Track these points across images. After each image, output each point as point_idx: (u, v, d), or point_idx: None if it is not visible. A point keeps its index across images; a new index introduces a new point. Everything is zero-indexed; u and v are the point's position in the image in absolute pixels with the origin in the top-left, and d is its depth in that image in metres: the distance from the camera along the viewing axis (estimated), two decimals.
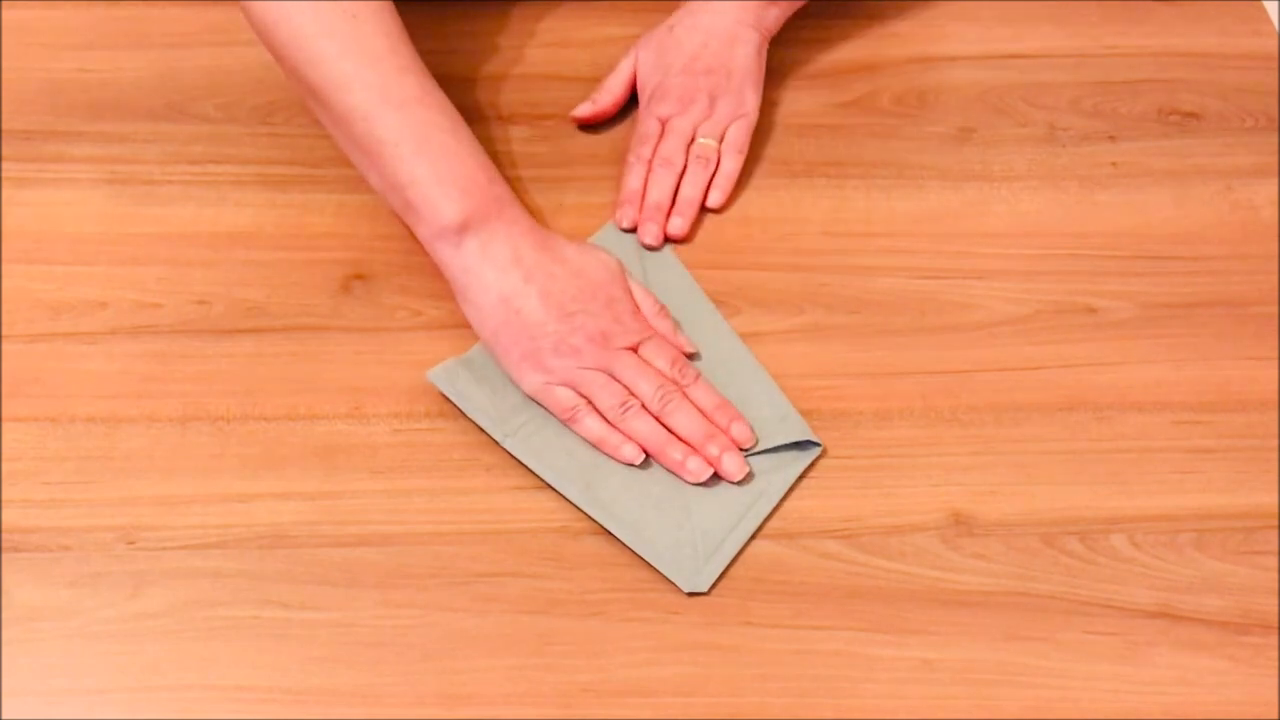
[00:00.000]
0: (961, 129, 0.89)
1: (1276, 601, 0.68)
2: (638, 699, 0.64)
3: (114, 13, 0.92)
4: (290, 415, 0.73)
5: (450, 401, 0.73)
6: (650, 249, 0.81)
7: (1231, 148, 0.88)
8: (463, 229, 0.73)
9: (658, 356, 0.73)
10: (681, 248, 0.82)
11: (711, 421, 0.71)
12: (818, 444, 0.72)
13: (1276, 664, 0.66)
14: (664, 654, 0.66)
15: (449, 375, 0.73)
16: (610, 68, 0.90)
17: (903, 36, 0.92)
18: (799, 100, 0.83)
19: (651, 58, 0.87)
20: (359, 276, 0.79)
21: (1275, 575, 0.69)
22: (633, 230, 0.81)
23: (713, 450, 0.70)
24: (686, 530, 0.69)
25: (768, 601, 0.68)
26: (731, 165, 0.84)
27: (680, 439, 0.71)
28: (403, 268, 0.79)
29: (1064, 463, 0.73)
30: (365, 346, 0.76)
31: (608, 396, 0.71)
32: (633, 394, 0.71)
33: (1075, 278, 0.81)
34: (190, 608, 0.66)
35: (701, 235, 0.83)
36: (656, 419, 0.71)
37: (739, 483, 0.71)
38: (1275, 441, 0.74)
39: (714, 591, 0.68)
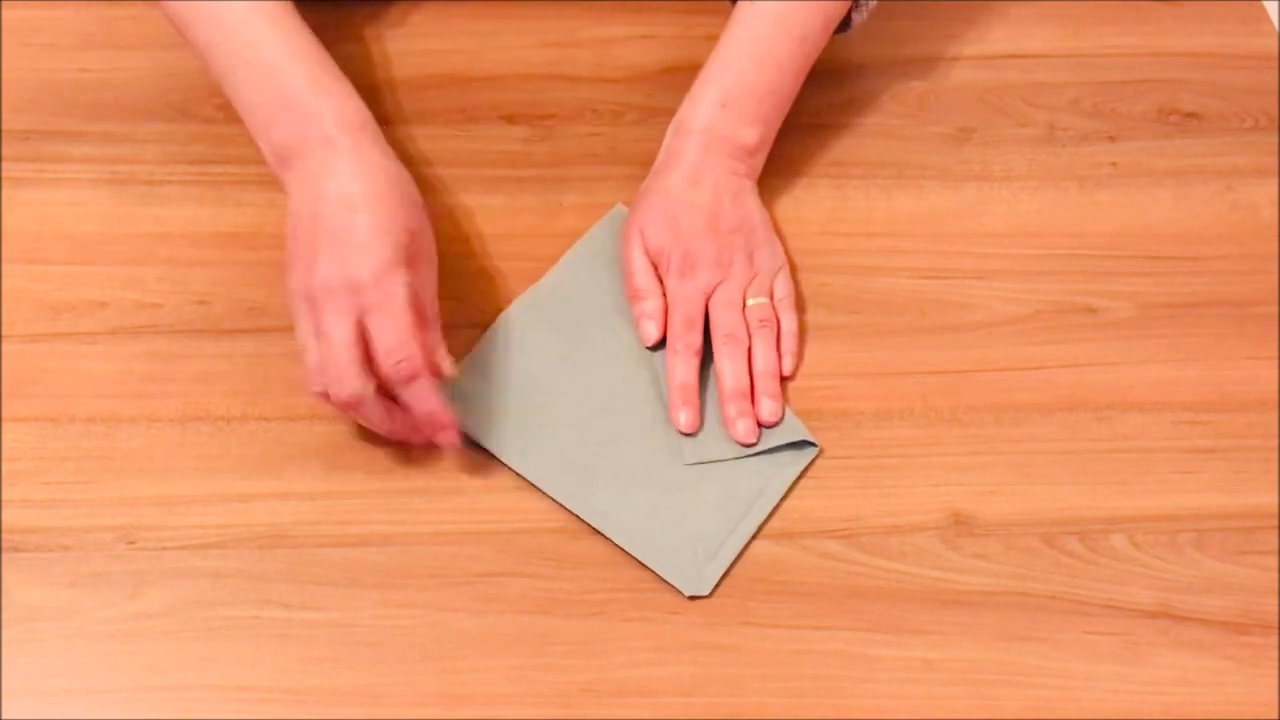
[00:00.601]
0: (961, 129, 0.89)
1: (1276, 601, 0.68)
2: (638, 699, 0.64)
3: (114, 13, 0.92)
4: (290, 415, 0.73)
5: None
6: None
7: (1231, 148, 0.88)
8: (285, 159, 0.73)
9: (384, 331, 0.67)
10: None
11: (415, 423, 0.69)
12: (815, 445, 0.72)
13: (1276, 664, 0.66)
14: (664, 654, 0.66)
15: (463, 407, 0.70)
16: (611, 67, 0.90)
17: (903, 36, 0.92)
18: (799, 100, 0.83)
19: (661, 229, 0.77)
20: None
21: (1275, 575, 0.69)
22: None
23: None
24: (684, 533, 0.69)
25: (768, 601, 0.68)
26: (793, 323, 0.77)
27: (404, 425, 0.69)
28: None
29: (1064, 463, 0.73)
30: None
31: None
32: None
33: (1075, 278, 0.81)
34: (190, 608, 0.66)
35: None
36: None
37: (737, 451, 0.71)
38: (1275, 441, 0.74)
39: (714, 592, 0.68)
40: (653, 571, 0.68)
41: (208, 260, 0.80)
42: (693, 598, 0.67)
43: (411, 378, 0.67)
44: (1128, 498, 0.72)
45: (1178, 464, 0.73)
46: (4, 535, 0.68)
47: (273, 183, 0.83)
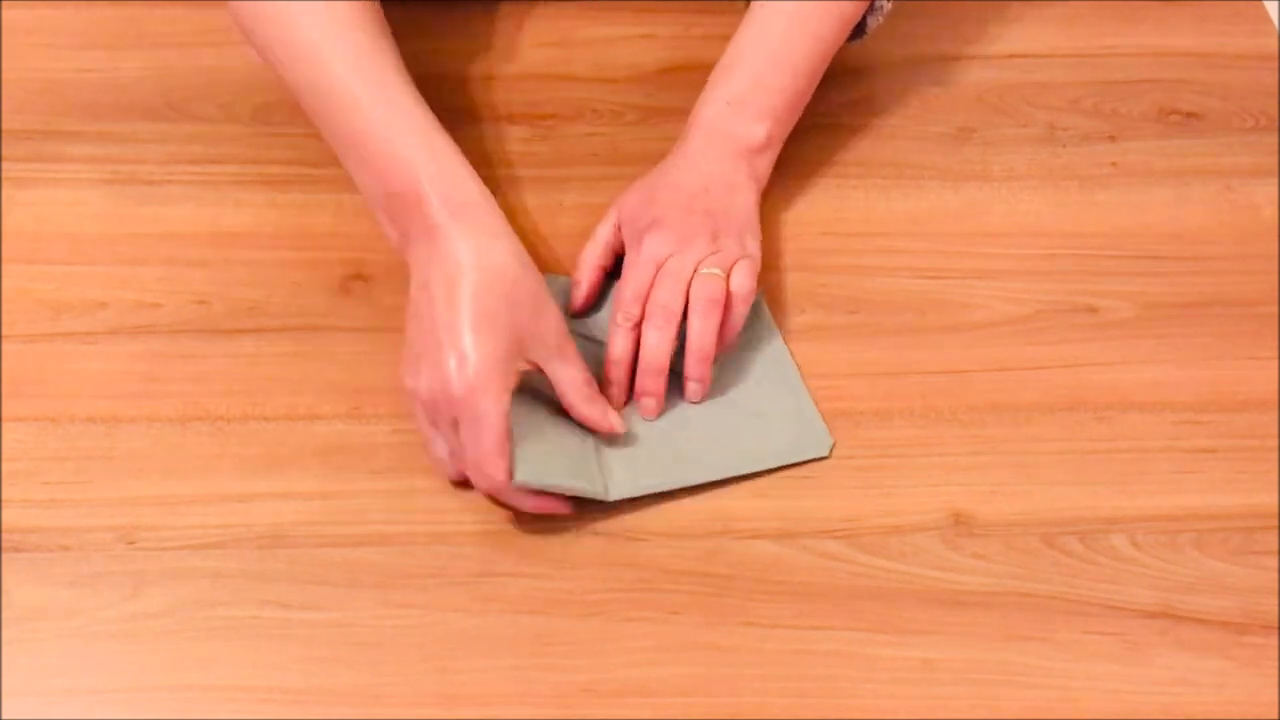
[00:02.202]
0: (961, 129, 0.89)
1: (1276, 601, 0.68)
2: (638, 699, 0.64)
3: (114, 13, 0.92)
4: (290, 415, 0.73)
5: None
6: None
7: (1231, 148, 0.88)
8: (404, 239, 0.72)
9: (470, 444, 0.66)
10: None
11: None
12: (828, 442, 0.73)
13: (1276, 664, 0.66)
14: (664, 654, 0.66)
15: (529, 468, 0.67)
16: (611, 67, 0.90)
17: (903, 36, 0.92)
18: None
19: (638, 202, 0.76)
20: (359, 276, 0.79)
21: (1275, 575, 0.69)
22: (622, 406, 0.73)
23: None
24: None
25: (768, 601, 0.68)
26: (739, 314, 0.74)
27: None
28: (403, 268, 0.79)
29: (1064, 463, 0.73)
30: (365, 346, 0.76)
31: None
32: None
33: (1075, 278, 0.81)
34: (190, 608, 0.66)
35: None
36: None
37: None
38: (1275, 441, 0.74)
39: (714, 591, 0.68)
40: (653, 571, 0.68)
41: (208, 260, 0.80)
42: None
43: (492, 491, 0.68)
44: (1128, 498, 0.72)
45: (1178, 464, 0.73)
46: (4, 535, 0.68)
47: (273, 183, 0.83)
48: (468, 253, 0.68)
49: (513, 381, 0.67)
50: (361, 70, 0.73)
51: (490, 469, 0.66)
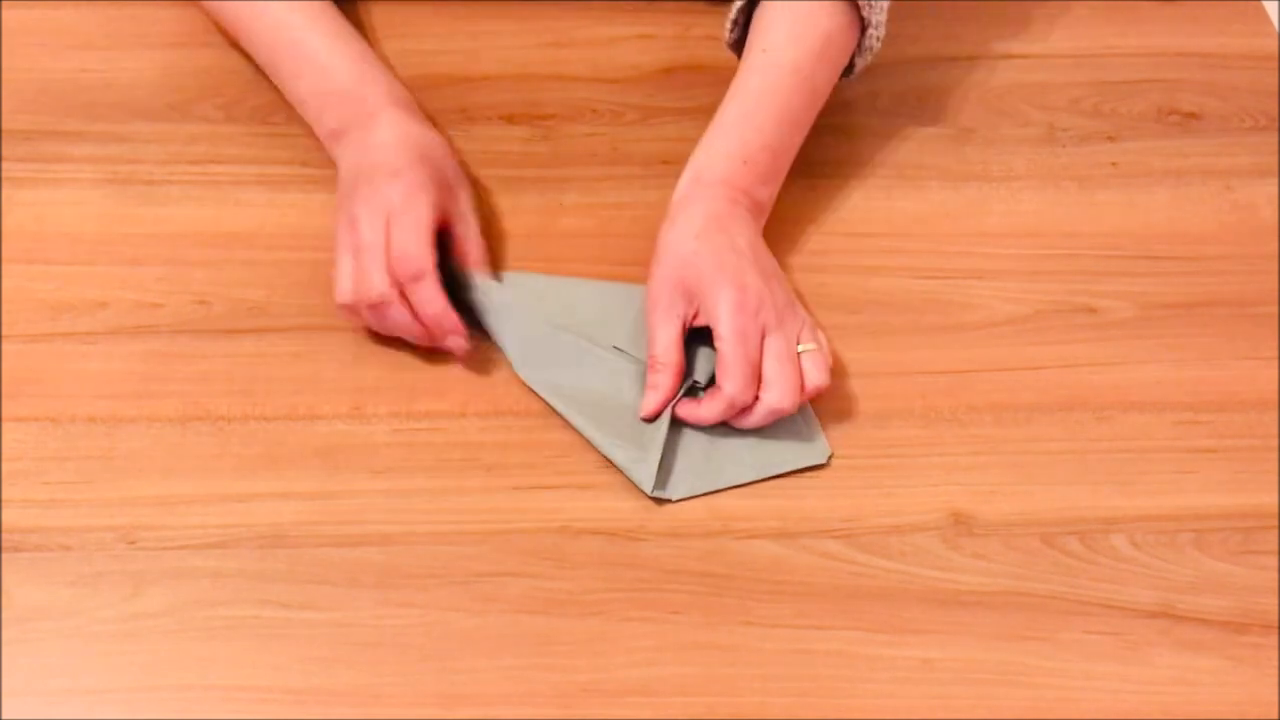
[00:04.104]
0: (961, 129, 0.89)
1: (1276, 601, 0.68)
2: (638, 699, 0.64)
3: (114, 13, 0.92)
4: (290, 415, 0.73)
5: (448, 398, 0.73)
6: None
7: (1231, 148, 0.88)
8: (338, 135, 0.80)
9: (400, 236, 0.73)
10: None
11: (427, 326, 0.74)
12: (826, 451, 0.73)
13: (1276, 664, 0.66)
14: (664, 654, 0.66)
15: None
16: (611, 67, 0.90)
17: (903, 36, 0.92)
18: None
19: (700, 269, 0.73)
20: None
21: (1275, 575, 0.69)
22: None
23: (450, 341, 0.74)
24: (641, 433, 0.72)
25: (768, 601, 0.68)
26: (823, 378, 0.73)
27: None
28: None
29: (1064, 463, 0.73)
30: (365, 346, 0.76)
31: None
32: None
33: (1075, 278, 0.81)
34: (190, 608, 0.66)
35: None
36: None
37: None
38: (1275, 441, 0.74)
39: (714, 591, 0.68)
40: (653, 571, 0.68)
41: (208, 260, 0.80)
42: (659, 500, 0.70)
43: (416, 277, 0.72)
44: (1128, 498, 0.72)
45: (1178, 464, 0.73)
46: (4, 535, 0.68)
47: (273, 183, 0.83)
48: (404, 125, 0.78)
49: (437, 215, 0.74)
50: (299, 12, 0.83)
51: (412, 252, 0.72)
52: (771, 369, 0.71)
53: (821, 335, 0.74)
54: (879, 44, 0.80)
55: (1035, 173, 0.86)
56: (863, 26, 0.79)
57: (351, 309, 0.73)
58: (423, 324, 0.73)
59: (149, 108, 0.87)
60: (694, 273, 0.73)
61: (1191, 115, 0.90)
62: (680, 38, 0.93)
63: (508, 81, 0.90)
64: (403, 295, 0.72)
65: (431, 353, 0.75)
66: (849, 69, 0.82)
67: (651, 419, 0.73)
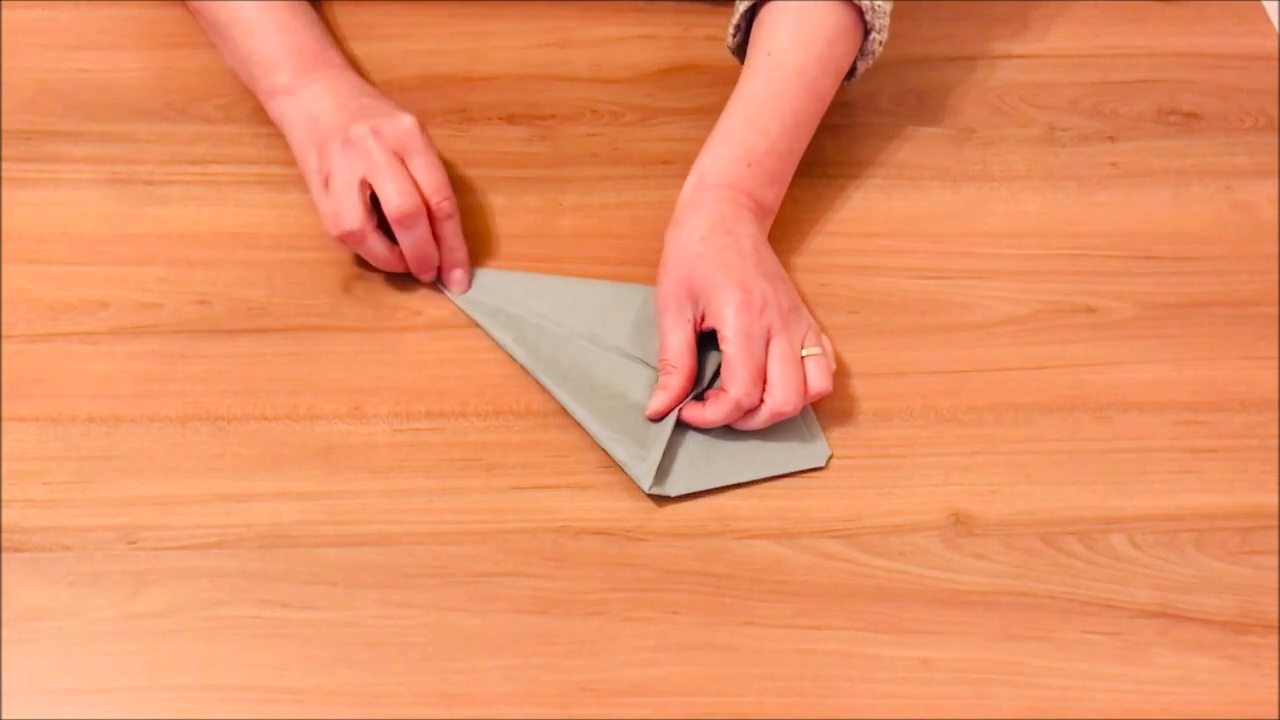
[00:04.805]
0: (961, 129, 0.89)
1: (1276, 601, 0.68)
2: (638, 699, 0.64)
3: (114, 13, 0.92)
4: (290, 415, 0.73)
5: (448, 398, 0.73)
6: None
7: (1231, 148, 0.88)
8: (290, 88, 0.81)
9: (429, 172, 0.76)
10: None
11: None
12: (826, 452, 0.73)
13: (1276, 664, 0.66)
14: (664, 654, 0.66)
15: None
16: (611, 67, 0.90)
17: (903, 36, 0.92)
18: None
19: (707, 269, 0.73)
20: (359, 276, 0.79)
21: (1275, 575, 0.69)
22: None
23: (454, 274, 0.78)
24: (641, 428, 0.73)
25: (768, 601, 0.68)
26: (827, 383, 0.74)
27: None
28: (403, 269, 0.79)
29: (1064, 463, 0.73)
30: (365, 346, 0.76)
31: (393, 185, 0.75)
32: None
33: (1075, 278, 0.81)
34: (190, 608, 0.66)
35: None
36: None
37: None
38: (1275, 441, 0.74)
39: (714, 591, 0.68)
40: (653, 570, 0.68)
41: (208, 260, 0.80)
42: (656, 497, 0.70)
43: (451, 215, 0.77)
44: (1128, 498, 0.72)
45: (1178, 464, 0.73)
46: (4, 535, 0.68)
47: (273, 182, 0.83)
48: (356, 79, 0.82)
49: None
50: None
51: (444, 191, 0.76)
52: (776, 372, 0.71)
53: (827, 340, 0.74)
54: (881, 48, 0.80)
55: (1035, 173, 0.86)
56: (865, 30, 0.79)
57: (357, 234, 0.75)
58: (440, 249, 0.77)
59: (149, 108, 0.87)
60: (699, 275, 0.73)
61: (1191, 115, 0.90)
62: (680, 38, 0.93)
63: (508, 81, 0.90)
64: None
65: (430, 354, 0.75)
66: (850, 72, 0.82)
67: (657, 419, 0.73)
